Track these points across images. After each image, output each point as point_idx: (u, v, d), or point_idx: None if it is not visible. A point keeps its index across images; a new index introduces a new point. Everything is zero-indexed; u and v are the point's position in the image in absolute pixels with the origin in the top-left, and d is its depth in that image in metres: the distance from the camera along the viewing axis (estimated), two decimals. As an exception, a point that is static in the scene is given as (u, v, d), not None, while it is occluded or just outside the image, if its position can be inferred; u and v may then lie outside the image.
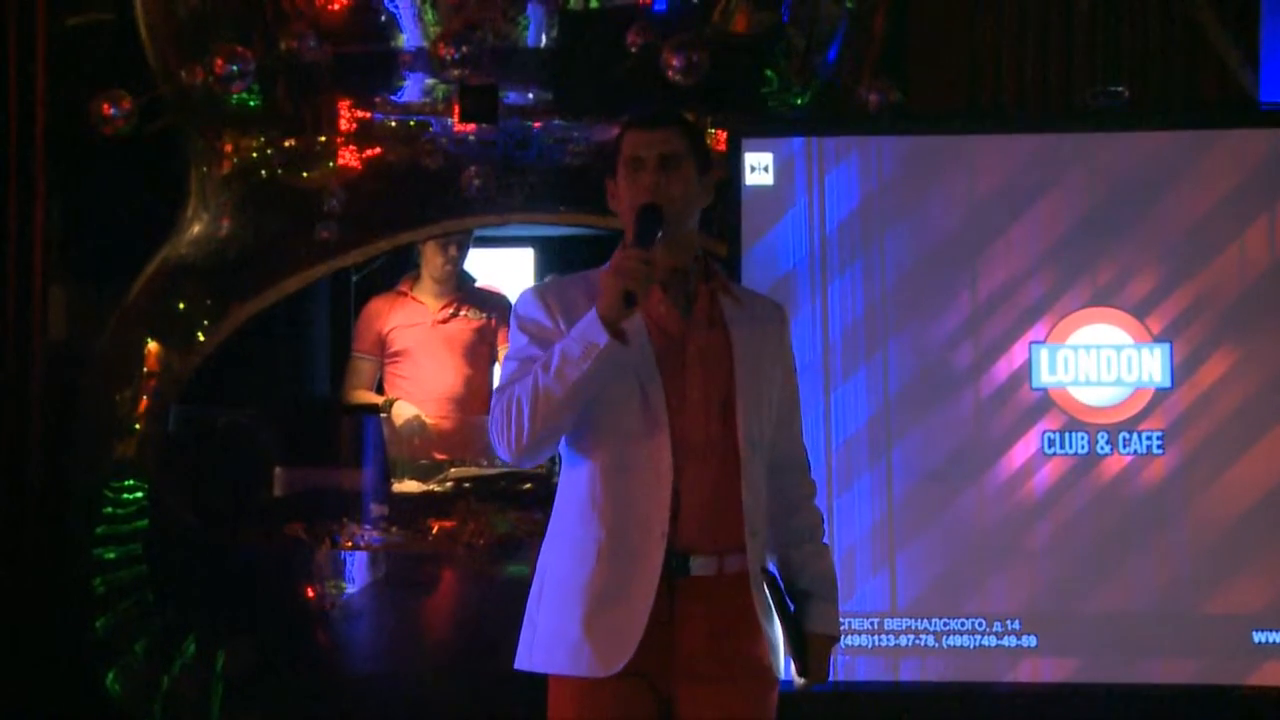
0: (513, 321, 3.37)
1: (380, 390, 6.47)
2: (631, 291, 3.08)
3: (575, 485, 3.29)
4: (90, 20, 6.64)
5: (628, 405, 3.23)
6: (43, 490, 6.07)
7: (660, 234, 3.18)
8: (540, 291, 3.37)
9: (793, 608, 3.35)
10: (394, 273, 6.71)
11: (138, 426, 5.75)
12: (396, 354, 6.41)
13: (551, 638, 3.25)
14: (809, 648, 3.35)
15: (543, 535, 3.38)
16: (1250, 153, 4.86)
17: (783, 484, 3.41)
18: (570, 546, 3.27)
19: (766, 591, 3.30)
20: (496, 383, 3.36)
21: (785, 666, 3.36)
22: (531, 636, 3.30)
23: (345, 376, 6.52)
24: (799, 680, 3.37)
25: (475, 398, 6.29)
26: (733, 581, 3.26)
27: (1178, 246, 4.85)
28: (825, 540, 3.49)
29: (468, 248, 6.50)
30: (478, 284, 6.63)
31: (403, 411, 6.21)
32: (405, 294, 6.46)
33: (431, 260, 6.40)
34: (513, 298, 6.39)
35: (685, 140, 3.30)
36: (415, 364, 6.39)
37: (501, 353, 6.26)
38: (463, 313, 6.42)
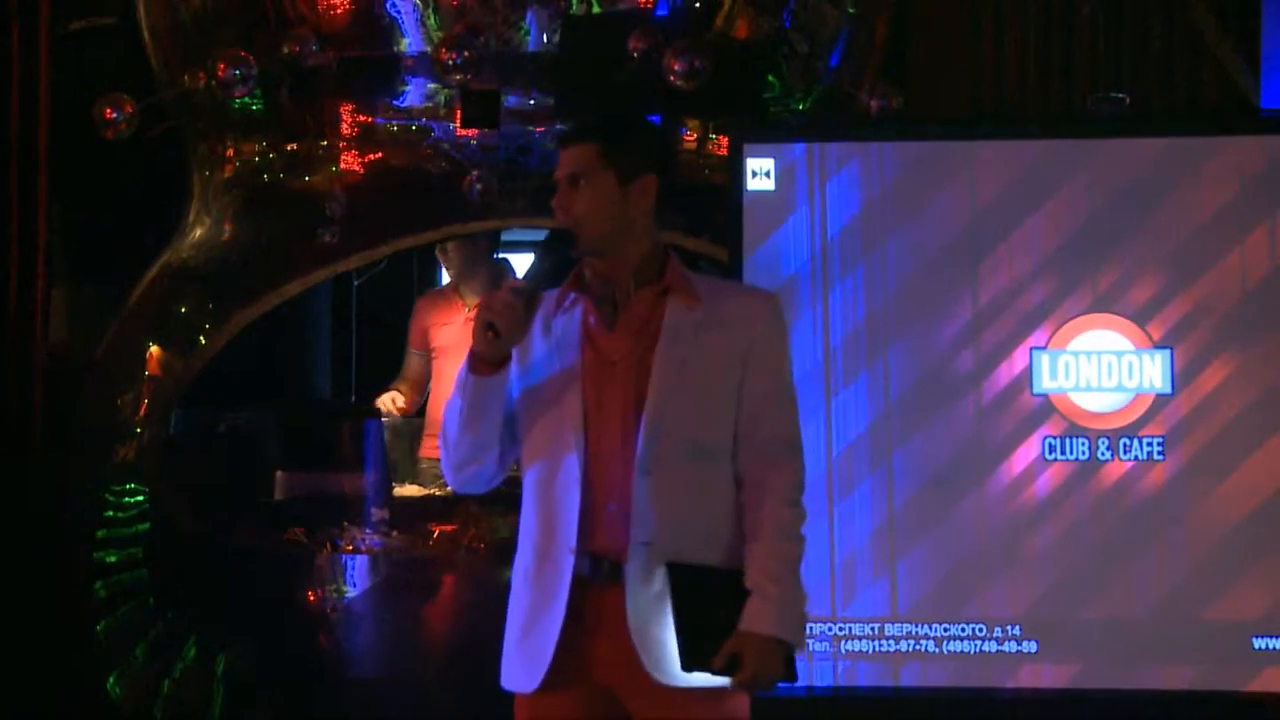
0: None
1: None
2: (493, 324, 3.16)
3: (522, 502, 3.34)
4: (93, 25, 6.66)
5: (549, 419, 3.26)
6: (44, 493, 6.08)
7: (556, 261, 3.27)
8: None
9: (705, 598, 3.21)
10: (396, 277, 6.72)
11: (139, 430, 5.76)
12: (435, 351, 6.45)
13: (504, 654, 3.32)
14: (728, 645, 3.18)
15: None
16: (1251, 159, 4.86)
17: (750, 481, 3.30)
18: (517, 561, 3.33)
19: (665, 588, 3.19)
20: None
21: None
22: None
23: None
24: (722, 680, 3.18)
25: None
26: (646, 584, 3.19)
27: (1178, 253, 4.85)
28: (795, 536, 3.29)
29: (485, 246, 6.50)
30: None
31: (386, 396, 6.27)
32: (449, 291, 6.50)
33: (450, 265, 6.44)
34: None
35: (596, 151, 3.27)
36: (447, 362, 6.40)
37: None
38: None
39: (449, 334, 6.42)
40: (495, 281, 6.45)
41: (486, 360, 3.21)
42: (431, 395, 6.46)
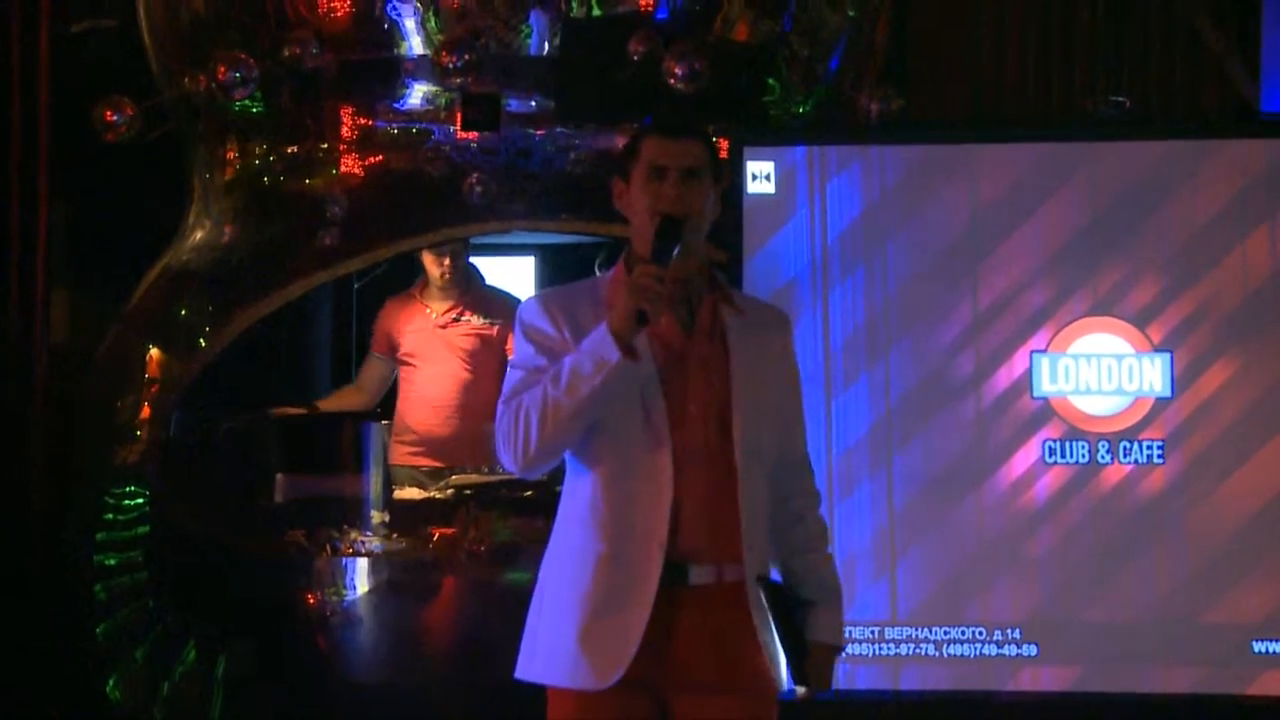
0: (517, 329, 3.36)
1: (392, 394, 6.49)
2: (644, 310, 3.08)
3: (577, 495, 3.30)
4: (93, 26, 6.65)
5: (630, 417, 3.22)
6: (44, 496, 6.08)
7: (678, 249, 3.18)
8: (545, 300, 3.36)
9: (796, 617, 3.35)
10: (395, 280, 6.71)
11: (139, 433, 5.75)
12: (403, 358, 6.42)
13: (550, 648, 3.25)
14: (809, 657, 3.34)
15: (544, 543, 3.38)
16: (1250, 162, 4.87)
17: (786, 493, 3.41)
18: (571, 556, 3.27)
19: (765, 601, 3.30)
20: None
21: (788, 677, 3.36)
22: (531, 646, 3.31)
23: None
24: (800, 690, 3.36)
25: (478, 404, 6.26)
26: (730, 592, 3.25)
27: (1178, 256, 4.85)
28: (831, 549, 3.48)
29: (465, 254, 6.50)
30: (487, 283, 6.61)
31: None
32: (414, 297, 6.47)
33: (428, 270, 6.41)
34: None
35: (706, 153, 3.30)
36: (416, 368, 6.40)
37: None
38: (465, 317, 6.40)
39: (416, 341, 6.40)
40: (465, 286, 6.45)
41: (631, 345, 3.12)
42: (401, 401, 6.44)
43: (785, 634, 3.31)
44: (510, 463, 3.26)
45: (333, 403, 6.42)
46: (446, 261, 6.34)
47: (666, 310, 3.23)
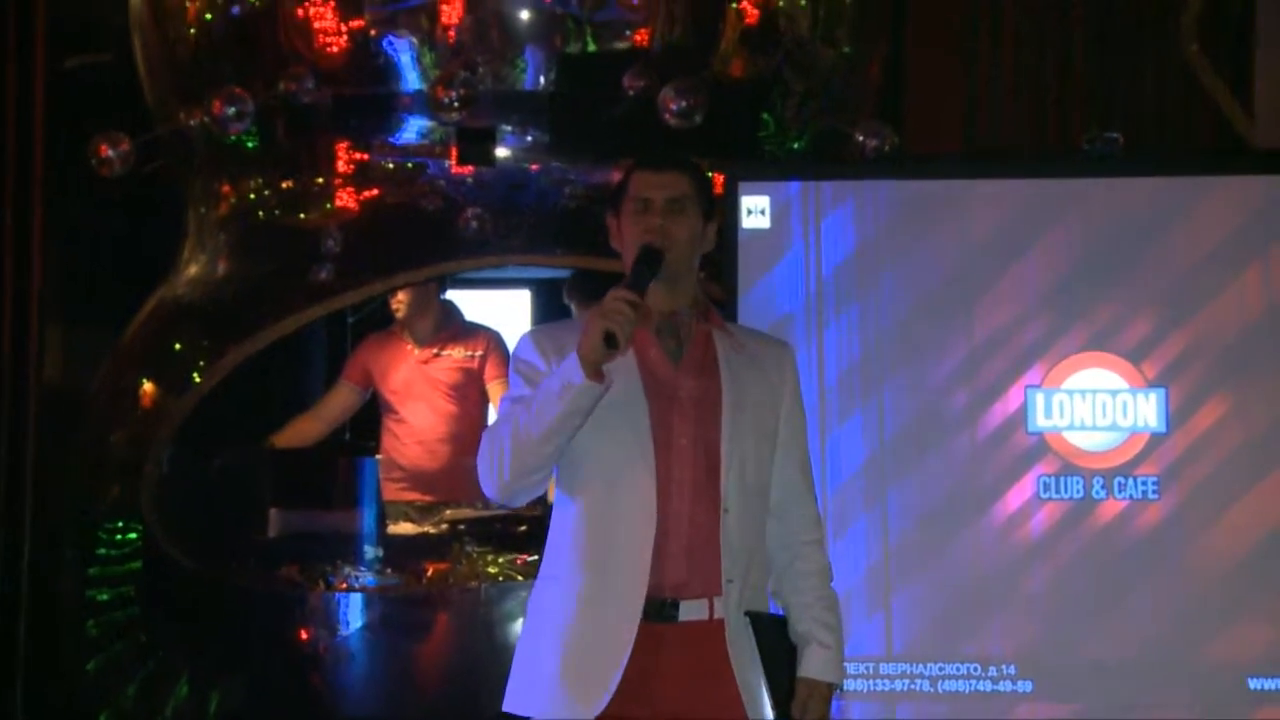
0: (511, 365, 3.38)
1: (378, 433, 6.47)
2: (612, 332, 3.06)
3: (563, 527, 3.30)
4: (89, 61, 6.67)
5: (615, 448, 3.22)
6: (36, 531, 6.06)
7: (656, 277, 3.19)
8: (536, 335, 3.38)
9: (782, 653, 3.33)
10: (390, 315, 6.71)
11: (132, 467, 5.74)
12: (388, 396, 6.40)
13: (534, 680, 3.26)
14: (800, 693, 3.31)
15: (536, 578, 3.38)
16: (1245, 198, 4.87)
17: (784, 528, 3.40)
18: (556, 588, 3.28)
19: (752, 637, 3.28)
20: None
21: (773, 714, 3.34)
22: (518, 678, 3.31)
23: None
24: None
25: (463, 436, 6.26)
26: (715, 627, 3.24)
27: (1173, 292, 4.85)
28: (832, 586, 3.45)
29: (441, 289, 6.49)
30: (467, 319, 6.61)
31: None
32: (396, 333, 6.47)
33: (400, 307, 6.39)
34: (506, 336, 6.44)
35: (692, 185, 3.31)
36: (401, 405, 6.39)
37: (490, 389, 6.27)
38: (447, 351, 6.41)
39: (399, 378, 6.39)
40: (443, 323, 6.44)
41: (599, 368, 3.10)
42: (388, 438, 6.42)
43: (769, 671, 3.28)
44: (489, 489, 3.27)
45: (289, 435, 6.30)
46: (401, 296, 6.31)
47: (654, 340, 3.25)
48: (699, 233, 3.31)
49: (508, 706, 3.31)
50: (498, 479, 3.22)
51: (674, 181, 3.29)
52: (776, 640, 3.32)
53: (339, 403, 6.46)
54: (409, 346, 6.40)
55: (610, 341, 3.06)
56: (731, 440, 3.27)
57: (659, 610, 3.20)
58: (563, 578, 3.27)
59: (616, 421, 3.21)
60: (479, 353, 6.38)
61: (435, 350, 6.39)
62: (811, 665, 3.33)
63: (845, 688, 4.72)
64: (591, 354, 3.08)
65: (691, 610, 3.22)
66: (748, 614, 3.28)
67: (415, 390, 6.39)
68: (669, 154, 3.40)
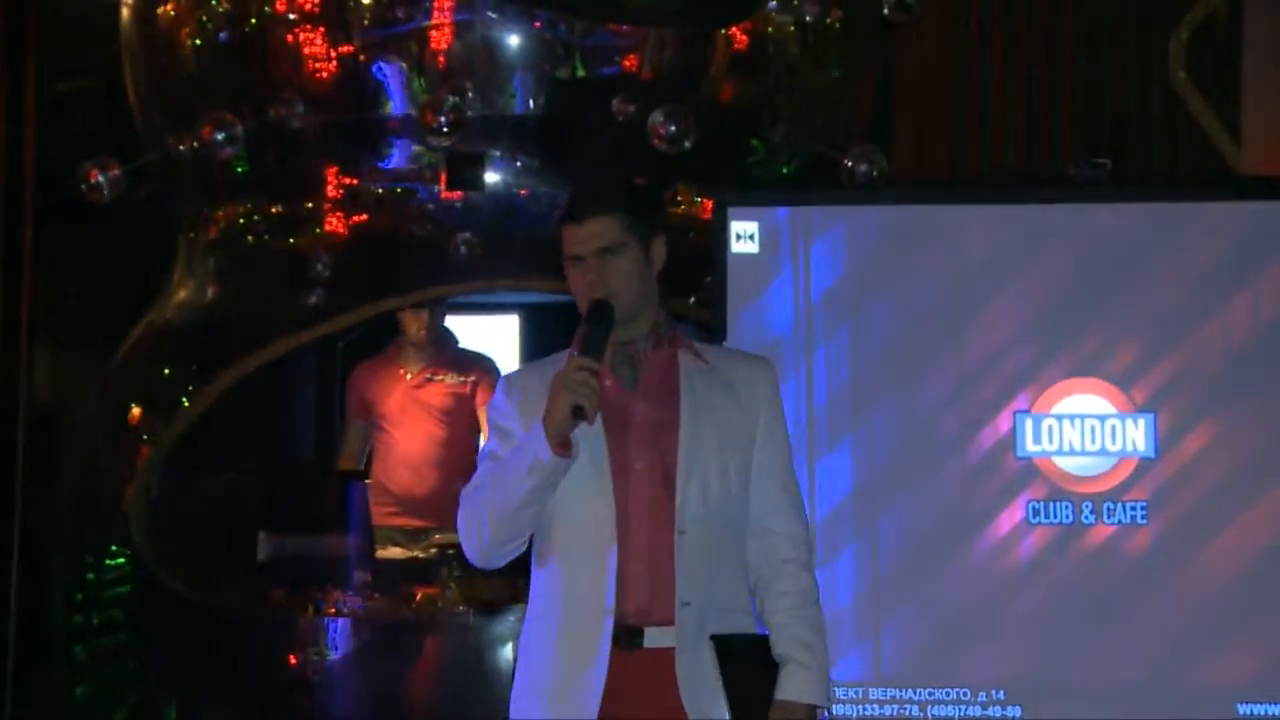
0: (489, 410, 3.39)
1: (369, 456, 6.48)
2: (580, 406, 3.05)
3: (537, 561, 3.32)
4: (79, 86, 6.67)
5: (577, 483, 3.20)
6: (25, 555, 6.05)
7: (615, 326, 3.17)
8: (508, 383, 3.37)
9: (746, 678, 3.25)
10: (379, 338, 6.71)
11: (121, 492, 5.73)
12: (378, 420, 6.42)
13: (523, 710, 3.26)
14: (773, 717, 3.24)
15: (526, 602, 3.38)
16: (1233, 224, 4.88)
17: (764, 547, 3.35)
18: (535, 623, 3.30)
19: (713, 660, 3.23)
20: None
21: None
22: (513, 707, 3.30)
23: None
24: None
25: (453, 461, 6.27)
26: (679, 653, 3.21)
27: (1162, 317, 4.86)
28: (817, 602, 3.37)
29: (443, 313, 6.51)
30: (461, 345, 6.62)
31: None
32: (389, 358, 6.48)
33: (407, 327, 6.42)
34: (498, 362, 6.45)
35: (620, 223, 3.24)
36: (392, 429, 6.39)
37: (481, 415, 6.28)
38: (439, 377, 6.41)
39: (391, 402, 6.41)
40: (439, 348, 6.46)
41: (566, 440, 3.10)
42: (378, 463, 6.43)
43: (735, 698, 3.23)
44: (470, 555, 3.30)
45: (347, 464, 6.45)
46: (424, 318, 6.35)
47: (607, 373, 3.20)
48: (643, 265, 3.27)
49: None
50: (478, 547, 3.26)
51: (598, 230, 3.22)
52: (747, 665, 3.26)
53: (358, 438, 6.51)
54: (402, 370, 6.41)
55: (578, 413, 3.06)
56: (689, 460, 3.24)
57: (627, 637, 3.19)
58: (539, 612, 3.29)
59: (576, 451, 3.19)
60: (472, 379, 6.39)
61: (428, 375, 6.40)
62: (788, 686, 3.26)
63: (834, 712, 4.72)
64: (557, 428, 3.08)
65: (655, 637, 3.20)
66: (713, 638, 3.23)
67: (406, 413, 6.40)
68: (588, 198, 3.29)
